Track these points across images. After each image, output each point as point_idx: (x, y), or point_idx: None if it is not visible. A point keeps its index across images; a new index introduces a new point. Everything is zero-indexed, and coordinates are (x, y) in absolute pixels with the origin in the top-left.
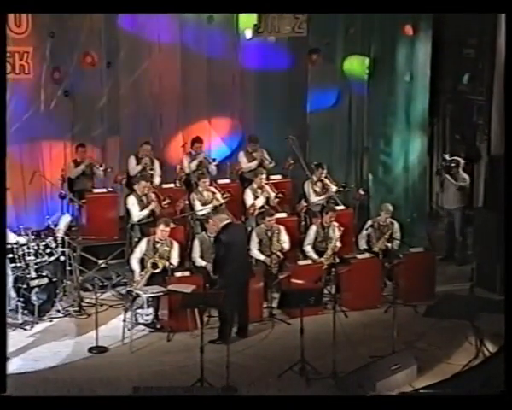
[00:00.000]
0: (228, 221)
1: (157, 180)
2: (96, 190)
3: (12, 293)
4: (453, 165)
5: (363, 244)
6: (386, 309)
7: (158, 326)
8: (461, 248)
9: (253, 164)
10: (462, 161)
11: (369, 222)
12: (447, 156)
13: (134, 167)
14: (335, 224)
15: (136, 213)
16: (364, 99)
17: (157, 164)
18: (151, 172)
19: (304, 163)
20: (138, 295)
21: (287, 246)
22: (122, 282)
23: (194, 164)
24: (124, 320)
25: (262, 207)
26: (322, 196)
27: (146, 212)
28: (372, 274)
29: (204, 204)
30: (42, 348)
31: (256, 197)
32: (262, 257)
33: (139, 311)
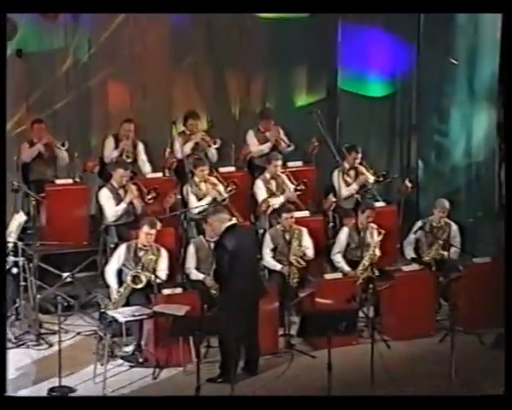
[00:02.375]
0: (233, 222)
1: (147, 168)
2: (58, 181)
3: None
4: None
5: (410, 252)
6: (442, 338)
7: (140, 360)
8: None
9: (266, 147)
10: None
11: (419, 223)
12: None
13: (110, 151)
14: (374, 225)
15: (112, 211)
16: (413, 62)
17: (141, 147)
18: (129, 160)
19: (332, 146)
20: (115, 320)
21: (310, 253)
22: (93, 302)
23: (188, 146)
24: (96, 352)
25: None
26: (356, 187)
27: (123, 206)
28: (422, 292)
29: (201, 199)
30: None
31: (269, 190)
32: (278, 267)
33: (116, 340)
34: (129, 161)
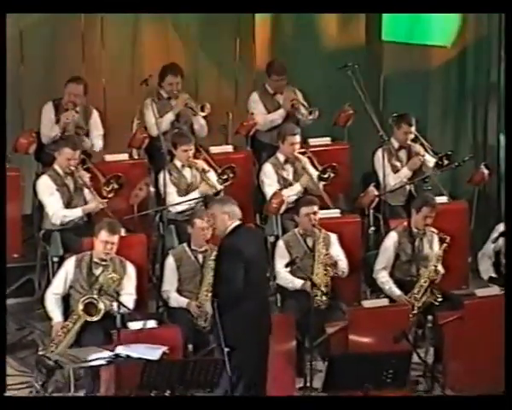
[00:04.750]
0: (238, 222)
1: (98, 144)
2: None
3: None
4: None
5: (488, 269)
6: None
7: None
8: None
9: (278, 115)
10: None
11: (501, 227)
12: None
13: (49, 127)
14: (435, 230)
15: (57, 211)
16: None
17: (96, 116)
18: (81, 132)
19: (374, 115)
20: (60, 366)
21: (343, 266)
22: (27, 341)
23: (167, 118)
24: None
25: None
26: (409, 174)
27: (78, 213)
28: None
29: (185, 192)
30: None
31: (284, 180)
32: (298, 283)
33: (60, 395)
34: (88, 146)
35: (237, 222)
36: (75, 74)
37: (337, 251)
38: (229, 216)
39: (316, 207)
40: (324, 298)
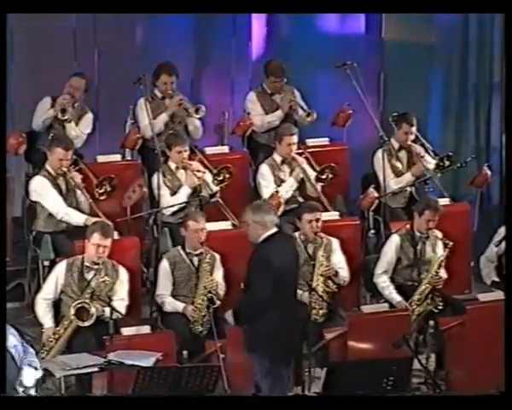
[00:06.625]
0: (272, 231)
1: (81, 141)
2: None
3: None
4: None
5: (491, 274)
6: None
7: None
8: None
9: (276, 116)
10: None
11: (504, 230)
12: None
13: (42, 114)
14: (438, 233)
15: (61, 207)
16: None
17: (89, 117)
18: (72, 133)
19: (374, 115)
20: (50, 373)
21: (344, 275)
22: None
23: (161, 119)
24: None
25: (293, 198)
26: (410, 177)
27: (79, 219)
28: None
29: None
30: None
31: (280, 181)
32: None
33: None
34: (72, 134)
35: (271, 231)
36: (68, 73)
37: (339, 258)
38: (261, 225)
39: (319, 215)
40: (322, 304)
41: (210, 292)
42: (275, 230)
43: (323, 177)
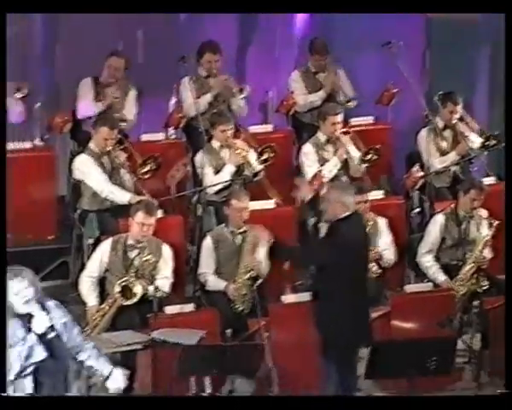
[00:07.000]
0: (349, 213)
1: (130, 116)
2: (10, 146)
3: None
4: None
5: None
6: None
7: None
8: None
9: (318, 97)
10: None
11: None
12: None
13: (89, 103)
14: (483, 213)
15: (107, 185)
16: None
17: (133, 95)
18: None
19: (419, 93)
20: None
21: (390, 256)
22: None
23: (205, 99)
24: None
25: (336, 178)
26: (455, 156)
27: (124, 198)
28: None
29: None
30: None
31: (325, 161)
32: None
33: (93, 381)
34: (117, 115)
35: (348, 212)
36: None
37: (385, 240)
38: (343, 205)
39: (366, 196)
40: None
41: (252, 270)
42: (351, 212)
43: (367, 158)
